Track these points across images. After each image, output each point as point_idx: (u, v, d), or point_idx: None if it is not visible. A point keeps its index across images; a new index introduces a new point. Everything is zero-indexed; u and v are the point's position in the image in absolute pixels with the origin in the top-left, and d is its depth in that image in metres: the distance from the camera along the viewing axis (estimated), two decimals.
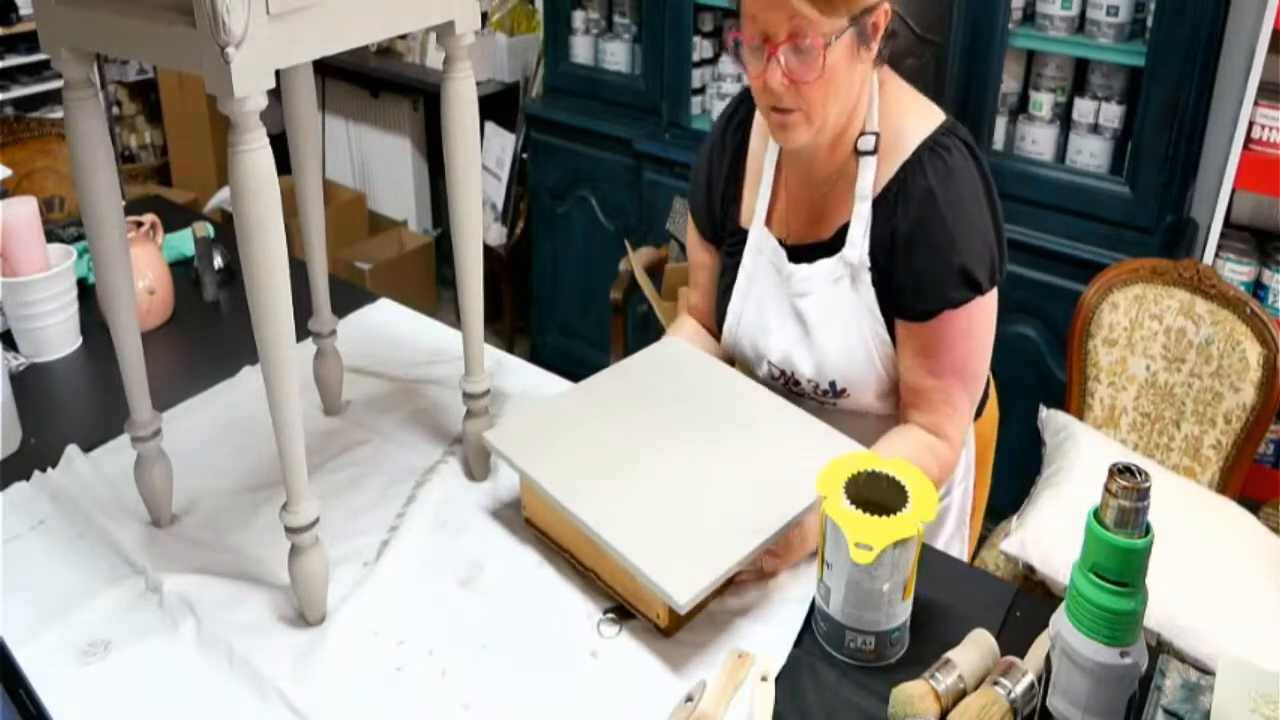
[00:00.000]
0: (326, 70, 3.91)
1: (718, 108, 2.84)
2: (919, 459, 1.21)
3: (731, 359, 1.43)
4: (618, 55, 3.00)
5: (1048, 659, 0.91)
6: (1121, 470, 0.82)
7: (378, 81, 3.81)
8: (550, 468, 1.14)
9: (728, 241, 1.38)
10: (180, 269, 1.85)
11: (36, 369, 1.58)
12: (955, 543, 1.45)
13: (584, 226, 3.13)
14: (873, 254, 1.23)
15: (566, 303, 3.27)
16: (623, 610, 1.09)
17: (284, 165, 1.01)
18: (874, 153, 1.21)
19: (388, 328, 1.70)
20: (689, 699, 0.97)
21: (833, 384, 1.29)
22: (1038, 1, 2.22)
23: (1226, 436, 1.87)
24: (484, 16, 3.39)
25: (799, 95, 1.13)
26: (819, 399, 1.32)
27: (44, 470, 1.31)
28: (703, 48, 2.82)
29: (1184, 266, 1.92)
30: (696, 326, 1.48)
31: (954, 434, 1.26)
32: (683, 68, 2.79)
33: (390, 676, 1.02)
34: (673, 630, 1.06)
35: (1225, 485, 1.88)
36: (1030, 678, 0.94)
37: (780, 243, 1.30)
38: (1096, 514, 0.84)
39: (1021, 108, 2.36)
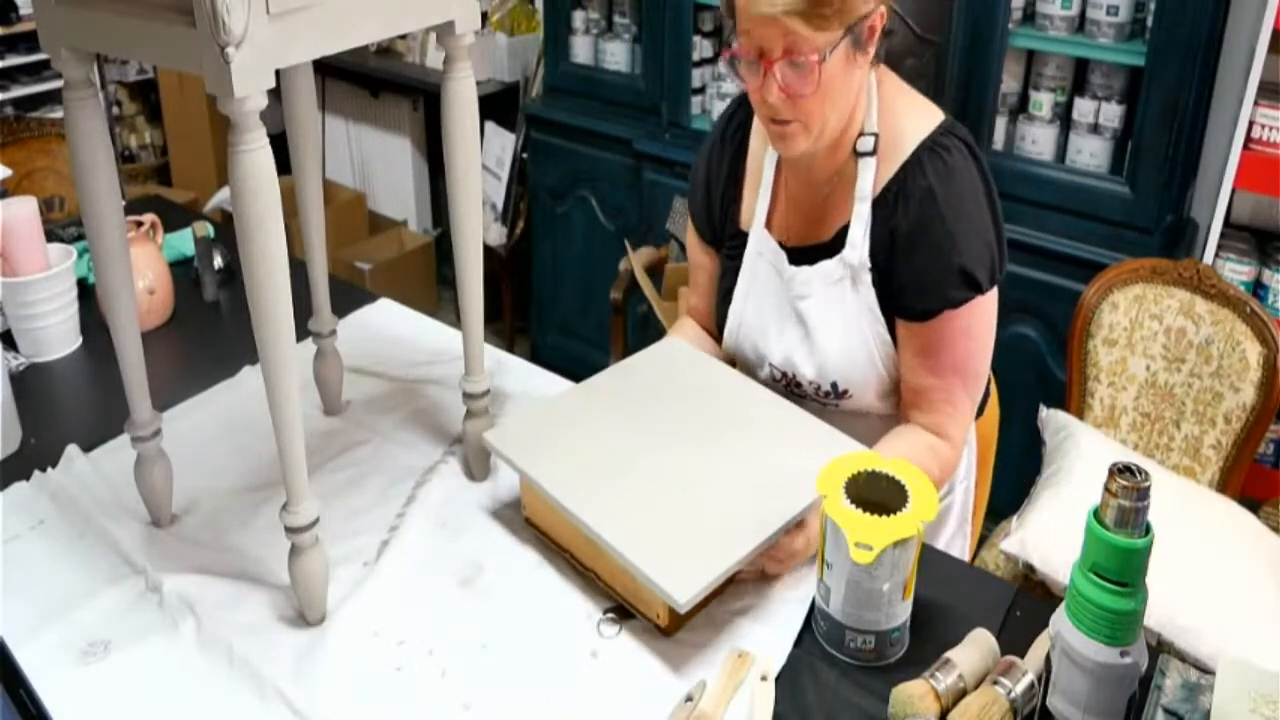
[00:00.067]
0: (326, 70, 3.91)
1: (718, 108, 2.84)
2: (920, 459, 1.21)
3: (732, 361, 1.43)
4: (618, 55, 3.00)
5: (1048, 659, 0.91)
6: (1121, 470, 0.82)
7: (378, 81, 3.81)
8: (550, 468, 1.14)
9: (728, 244, 1.38)
10: (180, 269, 1.85)
11: (36, 369, 1.58)
12: (957, 541, 1.45)
13: (584, 226, 3.13)
14: (873, 254, 1.23)
15: (566, 303, 3.27)
16: (623, 610, 1.09)
17: (284, 165, 1.01)
18: (873, 154, 1.21)
19: (388, 328, 1.70)
20: (689, 699, 0.97)
21: (834, 385, 1.29)
22: (1038, 1, 2.22)
23: (1226, 436, 1.87)
24: (484, 16, 3.39)
25: (796, 107, 1.13)
26: (820, 400, 1.32)
27: (44, 470, 1.31)
28: (703, 48, 2.82)
29: (1184, 266, 1.92)
30: (696, 329, 1.48)
31: (955, 433, 1.26)
32: (683, 68, 2.79)
33: (390, 676, 1.02)
34: (673, 630, 1.06)
35: (1225, 485, 1.88)
36: (1030, 677, 0.94)
37: (780, 245, 1.30)
38: (1096, 514, 0.84)
39: (1021, 108, 2.36)
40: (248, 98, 0.85)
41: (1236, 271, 2.12)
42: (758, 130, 1.34)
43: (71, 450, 1.34)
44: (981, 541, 1.87)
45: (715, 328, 1.44)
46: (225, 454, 1.36)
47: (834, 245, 1.25)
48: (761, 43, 1.11)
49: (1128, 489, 0.81)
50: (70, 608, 1.10)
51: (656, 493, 1.11)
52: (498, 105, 3.36)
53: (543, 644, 1.06)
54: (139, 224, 1.71)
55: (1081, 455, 1.80)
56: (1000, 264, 1.22)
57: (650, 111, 2.90)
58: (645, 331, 2.90)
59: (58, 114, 3.38)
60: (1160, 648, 1.48)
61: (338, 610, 1.09)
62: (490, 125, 3.38)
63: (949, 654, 0.97)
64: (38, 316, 1.57)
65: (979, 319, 1.22)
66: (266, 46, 0.85)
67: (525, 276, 3.42)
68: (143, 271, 1.62)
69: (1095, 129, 2.25)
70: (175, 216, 2.07)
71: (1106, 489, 0.82)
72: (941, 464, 1.25)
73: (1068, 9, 2.17)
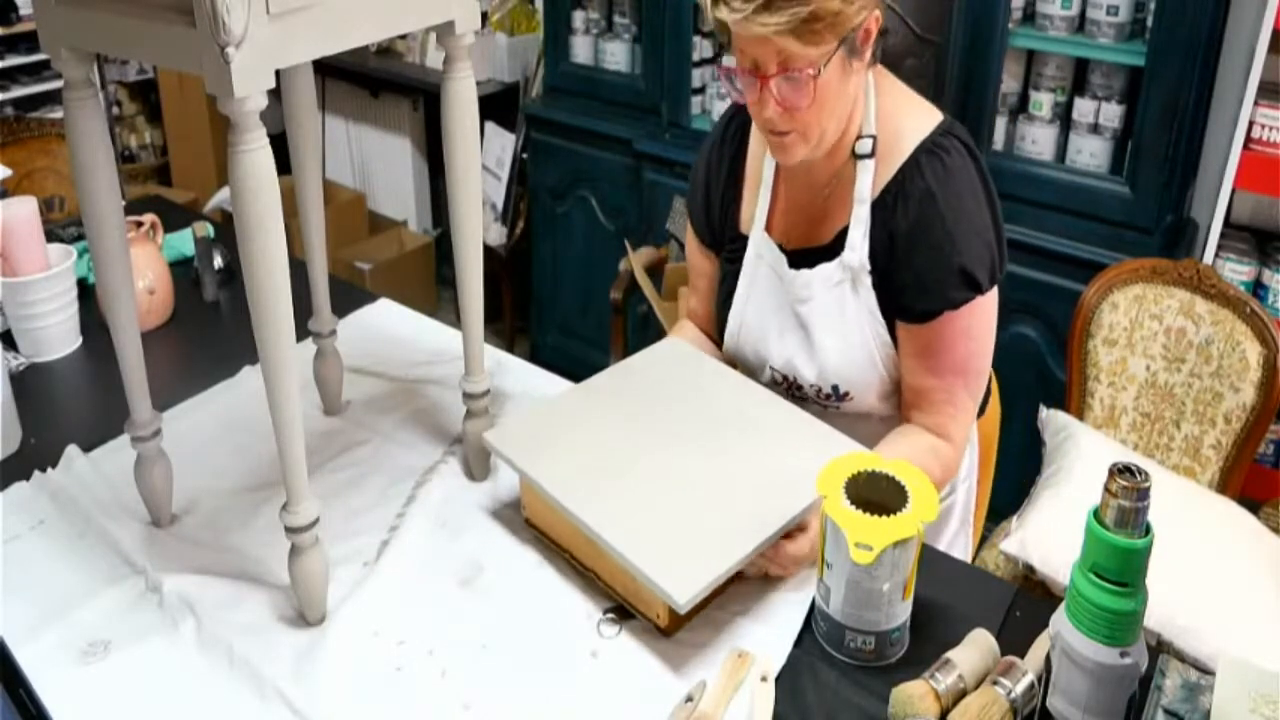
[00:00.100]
0: (326, 70, 3.91)
1: (718, 107, 2.84)
2: (922, 460, 1.20)
3: (733, 364, 1.43)
4: (618, 55, 3.00)
5: (1048, 659, 0.91)
6: (1121, 470, 0.82)
7: (378, 81, 3.81)
8: (550, 468, 1.14)
9: (728, 248, 1.37)
10: (180, 269, 1.85)
11: (36, 369, 1.58)
12: (959, 540, 1.45)
13: (584, 226, 3.13)
14: (872, 256, 1.23)
15: (566, 303, 3.27)
16: (623, 610, 1.09)
17: (284, 165, 1.01)
18: (871, 155, 1.21)
19: (388, 328, 1.70)
20: (689, 699, 0.97)
21: (835, 388, 1.29)
22: (1038, 1, 2.22)
23: (1226, 436, 1.87)
24: (484, 16, 3.39)
25: (794, 119, 1.14)
26: (821, 403, 1.32)
27: (44, 470, 1.31)
28: (703, 48, 2.82)
29: (1184, 266, 1.92)
30: (696, 332, 1.48)
31: (957, 434, 1.26)
32: (683, 67, 2.79)
33: (390, 676, 1.02)
34: (673, 630, 1.06)
35: (1225, 485, 1.88)
36: (1030, 678, 0.94)
37: (780, 248, 1.30)
38: (1096, 514, 0.84)
39: (1021, 108, 2.36)
40: (248, 98, 0.85)
41: (1236, 271, 2.12)
42: (756, 133, 1.34)
43: (71, 450, 1.34)
44: (982, 541, 1.87)
45: (715, 331, 1.44)
46: (225, 454, 1.36)
47: (833, 248, 1.25)
48: (756, 59, 1.11)
49: (1128, 489, 0.81)
50: (70, 608, 1.10)
51: (656, 493, 1.11)
52: (498, 105, 3.36)
53: (543, 644, 1.06)
54: (139, 224, 1.71)
55: (1081, 455, 1.80)
56: (1000, 264, 1.22)
57: (650, 111, 2.90)
58: (645, 331, 2.90)
59: (58, 114, 3.38)
60: (1160, 648, 1.48)
61: (338, 610, 1.09)
62: (490, 125, 3.38)
63: (949, 654, 0.97)
64: (38, 316, 1.57)
65: (979, 319, 1.22)
66: (266, 46, 0.85)
67: (525, 276, 3.42)
68: (143, 271, 1.62)
69: (1095, 129, 2.25)
70: (175, 216, 2.07)
71: (1106, 489, 0.82)
72: (943, 464, 1.25)
73: (1068, 9, 2.17)
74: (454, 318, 1.33)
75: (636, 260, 2.65)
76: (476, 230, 1.17)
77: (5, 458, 1.35)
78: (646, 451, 1.17)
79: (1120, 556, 0.83)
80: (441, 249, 3.86)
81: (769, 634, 1.06)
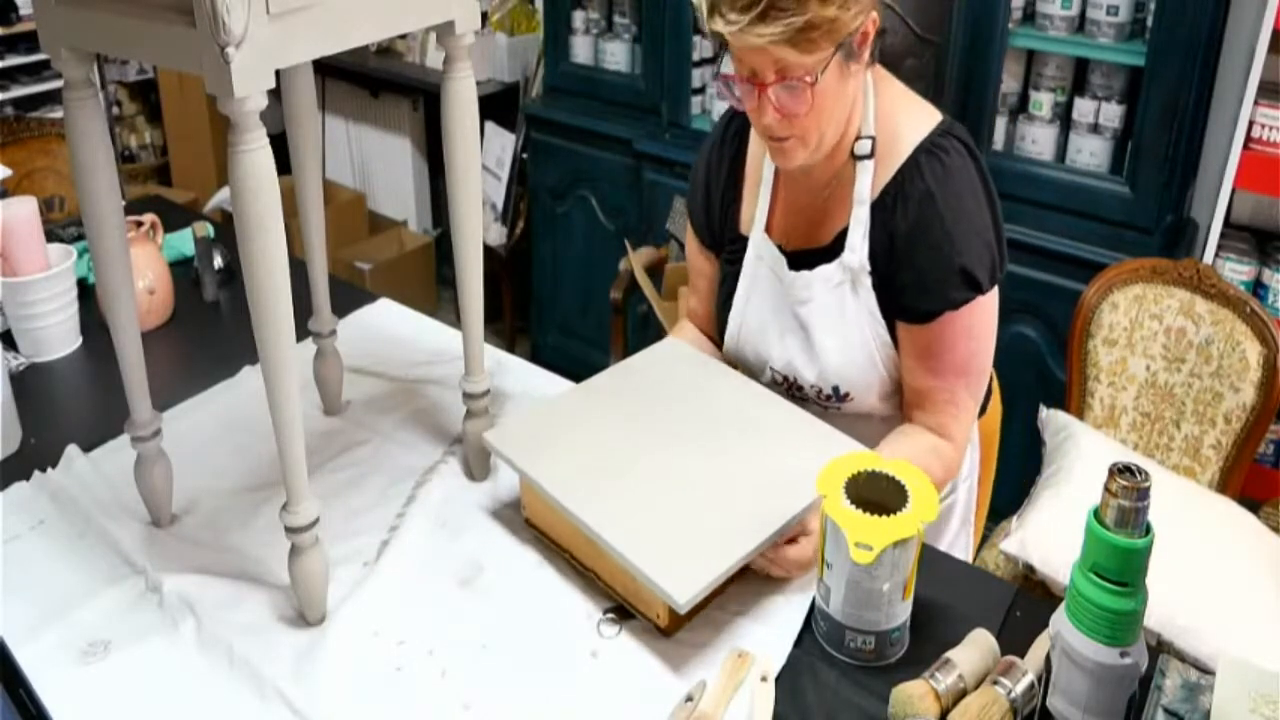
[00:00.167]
0: (326, 70, 3.91)
1: (718, 108, 2.84)
2: (923, 460, 1.20)
3: (733, 365, 1.42)
4: (618, 55, 3.00)
5: (1048, 659, 0.91)
6: (1121, 470, 0.82)
7: (378, 81, 3.81)
8: (550, 468, 1.14)
9: (728, 249, 1.37)
10: (180, 269, 1.85)
11: (36, 369, 1.58)
12: (961, 539, 1.45)
13: (584, 226, 3.13)
14: (872, 257, 1.22)
15: (566, 303, 3.27)
16: (623, 610, 1.09)
17: (284, 165, 1.01)
18: (870, 156, 1.21)
19: (388, 328, 1.70)
20: (689, 699, 0.97)
21: (835, 389, 1.29)
22: (1038, 1, 2.22)
23: (1226, 436, 1.87)
24: (484, 16, 3.39)
25: (793, 125, 1.14)
26: (822, 404, 1.32)
27: (44, 470, 1.31)
28: (703, 48, 2.83)
29: (1184, 266, 1.92)
30: (696, 332, 1.48)
31: (959, 434, 1.26)
32: (683, 67, 2.79)
33: (390, 676, 1.02)
34: (673, 630, 1.06)
35: (1225, 485, 1.88)
36: (1030, 677, 0.94)
37: (780, 249, 1.30)
38: (1096, 514, 0.84)
39: (1021, 108, 2.36)
40: (248, 98, 0.85)
41: (1236, 271, 2.12)
42: (756, 135, 1.34)
43: (71, 450, 1.34)
44: (982, 541, 1.87)
45: (715, 332, 1.44)
46: (225, 454, 1.36)
47: (833, 249, 1.25)
48: (753, 67, 1.11)
49: (1128, 489, 0.81)
50: (70, 608, 1.10)
51: (656, 493, 1.11)
52: (498, 105, 3.36)
53: (543, 644, 1.06)
54: (139, 224, 1.71)
55: (1081, 455, 1.80)
56: (1000, 263, 1.22)
57: (650, 111, 2.90)
58: (645, 331, 2.90)
59: (58, 114, 3.38)
60: (1160, 648, 1.48)
61: (338, 610, 1.09)
62: (490, 125, 3.38)
63: (949, 654, 0.97)
64: (38, 316, 1.57)
65: (980, 319, 1.22)
66: (266, 46, 0.85)
67: (525, 276, 3.42)
68: (143, 271, 1.62)
69: (1095, 129, 2.25)
70: (175, 216, 2.07)
71: (1106, 489, 0.82)
72: (945, 464, 1.25)
73: (1068, 9, 2.17)
74: (454, 318, 1.33)
75: (636, 260, 2.65)
76: (476, 230, 1.17)
77: (5, 458, 1.36)
78: (646, 451, 1.17)
79: (1120, 556, 0.83)
80: (441, 249, 3.86)
81: (769, 634, 1.06)
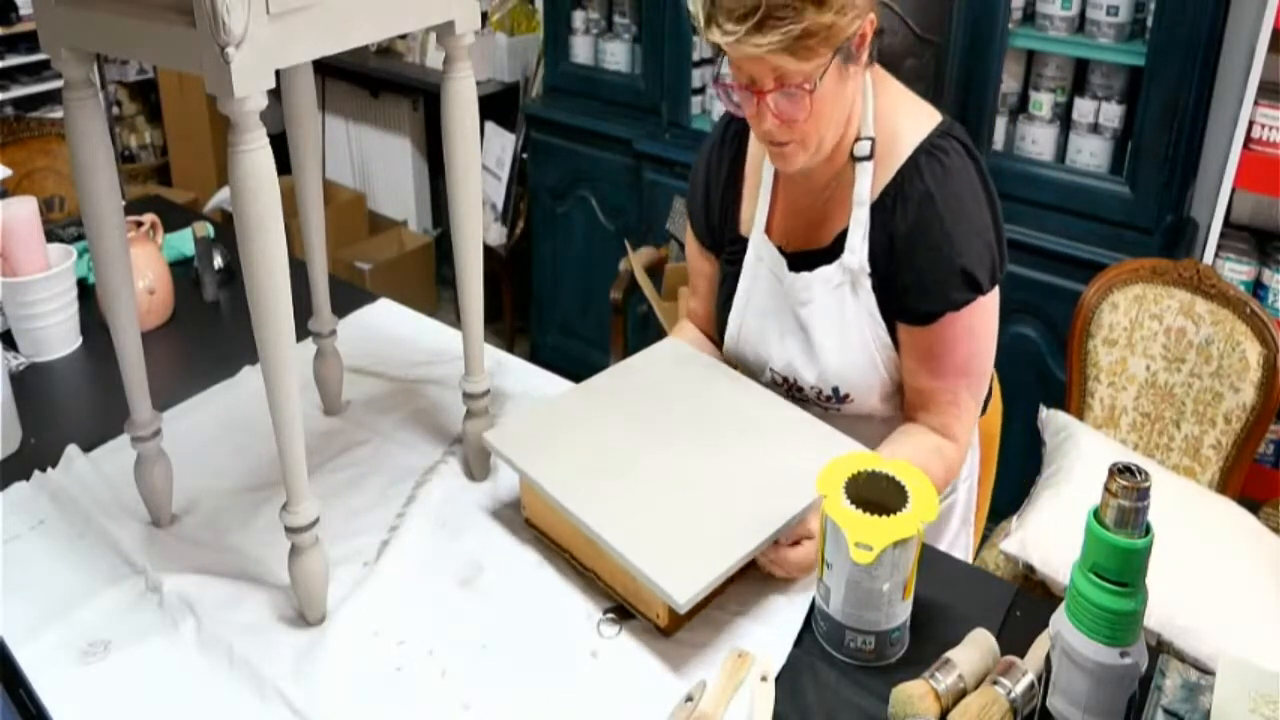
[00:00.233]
0: (326, 70, 3.91)
1: (718, 108, 2.84)
2: (926, 461, 1.20)
3: (733, 366, 1.42)
4: (618, 55, 3.00)
5: (1048, 659, 0.91)
6: (1121, 470, 0.82)
7: (378, 81, 3.81)
8: (550, 468, 1.14)
9: (728, 250, 1.37)
10: (180, 269, 1.85)
11: (36, 369, 1.58)
12: (961, 540, 1.45)
13: (584, 226, 3.13)
14: (872, 259, 1.22)
15: (566, 303, 3.27)
16: (623, 610, 1.09)
17: (284, 165, 1.01)
18: (870, 158, 1.21)
19: (388, 328, 1.70)
20: (689, 699, 0.97)
21: (835, 390, 1.29)
22: (1038, 1, 2.22)
23: (1226, 436, 1.87)
24: (484, 16, 3.39)
25: (792, 130, 1.14)
26: (822, 404, 1.32)
27: (44, 470, 1.31)
28: (702, 48, 2.82)
29: (1184, 266, 1.92)
30: (696, 333, 1.48)
31: (961, 434, 1.26)
32: (683, 68, 2.79)
33: (390, 676, 1.02)
34: (673, 630, 1.06)
35: (1225, 485, 1.88)
36: (1030, 677, 0.94)
37: (780, 250, 1.30)
38: (1096, 514, 0.84)
39: (1021, 108, 2.36)
40: (248, 98, 0.85)
41: (1236, 271, 2.12)
42: (756, 137, 1.34)
43: (71, 450, 1.34)
44: (982, 542, 1.87)
45: (715, 332, 1.44)
46: (225, 454, 1.36)
47: (833, 250, 1.25)
48: (752, 75, 1.11)
49: (1128, 489, 0.81)
50: (70, 608, 1.10)
51: (656, 493, 1.11)
52: (498, 105, 3.36)
53: (543, 644, 1.06)
54: (139, 224, 1.71)
55: (1081, 455, 1.80)
56: (1001, 263, 1.21)
57: (650, 111, 2.90)
58: (645, 331, 2.90)
59: (58, 114, 3.38)
60: (1160, 648, 1.48)
61: (338, 610, 1.09)
62: (490, 125, 3.38)
63: (949, 654, 0.97)
64: (38, 316, 1.57)
65: (981, 319, 1.22)
66: (266, 46, 0.85)
67: (525, 276, 3.42)
68: (143, 271, 1.62)
69: (1095, 129, 2.25)
70: (175, 216, 2.07)
71: (1106, 489, 0.82)
72: (948, 465, 1.25)
73: (1068, 9, 2.17)
74: (454, 318, 1.33)
75: (636, 260, 2.65)
76: (476, 230, 1.17)
77: (5, 458, 1.36)
78: (646, 451, 1.17)
79: (1120, 556, 0.83)
80: (441, 249, 3.86)
81: (769, 634, 1.06)
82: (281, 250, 0.92)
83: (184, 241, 1.91)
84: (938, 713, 0.93)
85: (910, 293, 1.21)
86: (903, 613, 1.02)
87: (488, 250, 3.34)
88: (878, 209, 1.21)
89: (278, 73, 0.87)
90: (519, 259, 3.46)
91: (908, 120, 1.21)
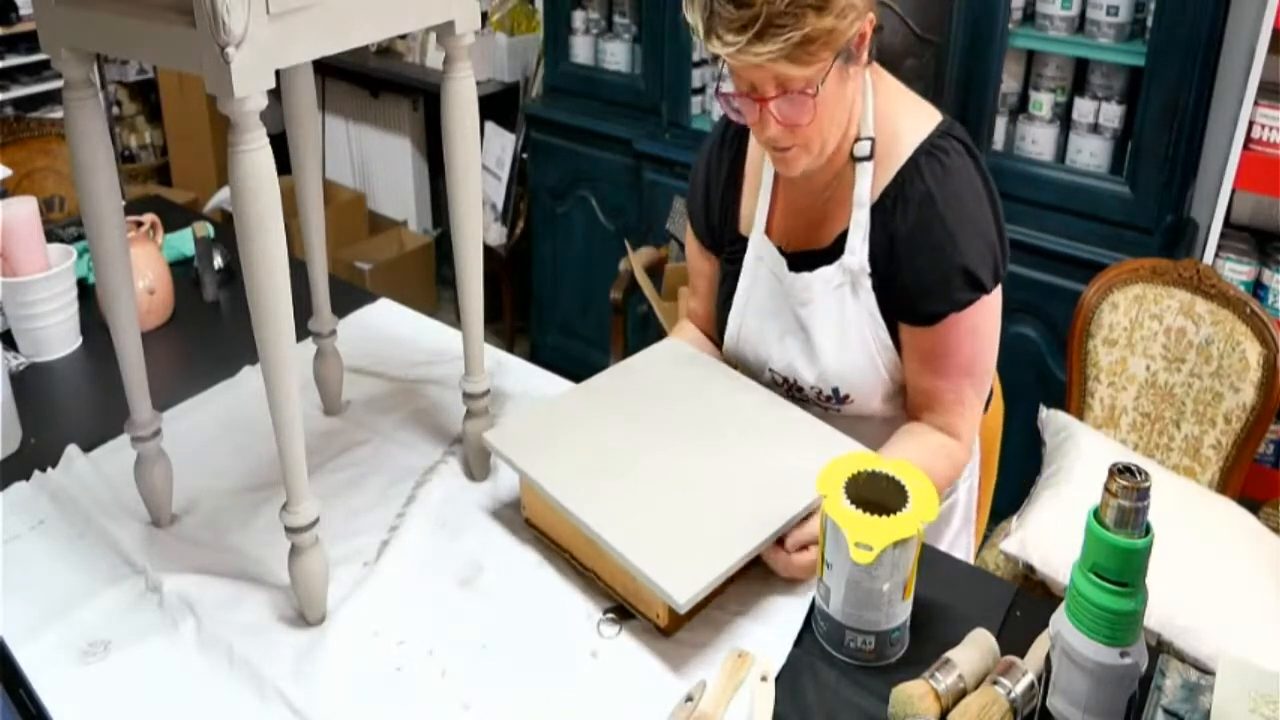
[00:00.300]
0: (326, 70, 3.91)
1: (718, 108, 2.84)
2: (931, 461, 1.20)
3: (733, 366, 1.42)
4: (618, 55, 3.00)
5: (1048, 659, 0.91)
6: (1121, 470, 0.82)
7: (378, 81, 3.81)
8: (550, 468, 1.14)
9: (728, 250, 1.37)
10: (180, 269, 1.85)
11: (36, 369, 1.58)
12: (962, 539, 1.45)
13: (584, 226, 3.13)
14: (872, 259, 1.22)
15: (566, 303, 3.27)
16: (623, 610, 1.09)
17: (284, 165, 1.01)
18: (870, 158, 1.21)
19: (388, 328, 1.70)
20: (689, 699, 0.97)
21: (835, 390, 1.29)
22: (1038, 1, 2.22)
23: (1226, 436, 1.87)
24: (484, 16, 3.39)
25: (795, 135, 1.13)
26: (822, 405, 1.32)
27: (44, 470, 1.31)
28: (702, 48, 2.81)
29: (1184, 266, 1.92)
30: (696, 332, 1.48)
31: (966, 432, 1.26)
32: (683, 68, 2.79)
33: (390, 676, 1.02)
34: (673, 630, 1.06)
35: (1225, 485, 1.88)
36: (1030, 677, 0.94)
37: (780, 251, 1.30)
38: (1096, 514, 0.84)
39: (1021, 108, 2.36)
40: (248, 98, 0.85)
41: (1236, 271, 2.12)
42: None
43: (71, 450, 1.34)
44: (982, 542, 1.87)
45: (715, 332, 1.44)
46: (225, 454, 1.36)
47: (833, 251, 1.25)
48: (753, 83, 1.10)
49: (1128, 489, 0.81)
50: (70, 608, 1.10)
51: (656, 493, 1.11)
52: (498, 105, 3.36)
53: (543, 644, 1.06)
54: (139, 224, 1.71)
55: (1081, 455, 1.80)
56: (1003, 262, 1.21)
57: (650, 111, 2.90)
58: (645, 331, 2.90)
59: (58, 114, 3.38)
60: (1160, 648, 1.48)
61: (338, 610, 1.09)
62: (490, 125, 3.38)
63: (949, 654, 0.97)
64: (38, 316, 1.57)
65: (984, 318, 1.22)
66: (266, 46, 0.85)
67: (525, 276, 3.42)
68: (143, 271, 1.62)
69: (1095, 129, 2.25)
70: (175, 216, 2.07)
71: (1106, 489, 0.82)
72: (953, 464, 1.26)
73: (1068, 9, 2.17)
74: (454, 318, 1.33)
75: (636, 260, 2.65)
76: (476, 230, 1.17)
77: (5, 458, 1.35)
78: (646, 451, 1.17)
79: (1120, 556, 0.83)
80: (441, 249, 3.86)
81: (769, 634, 1.06)
82: (281, 250, 0.92)
83: (184, 241, 1.91)
84: (938, 713, 0.93)
85: (913, 293, 1.21)
86: (903, 613, 1.02)
87: (488, 250, 3.34)
88: (878, 209, 1.21)
89: (278, 73, 0.87)
90: (519, 259, 3.47)
91: (908, 120, 1.21)
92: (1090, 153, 2.25)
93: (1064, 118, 2.30)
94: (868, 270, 1.23)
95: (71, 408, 1.51)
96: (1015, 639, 1.02)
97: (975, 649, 0.98)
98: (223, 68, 0.83)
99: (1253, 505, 1.85)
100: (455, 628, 1.08)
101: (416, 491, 1.28)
